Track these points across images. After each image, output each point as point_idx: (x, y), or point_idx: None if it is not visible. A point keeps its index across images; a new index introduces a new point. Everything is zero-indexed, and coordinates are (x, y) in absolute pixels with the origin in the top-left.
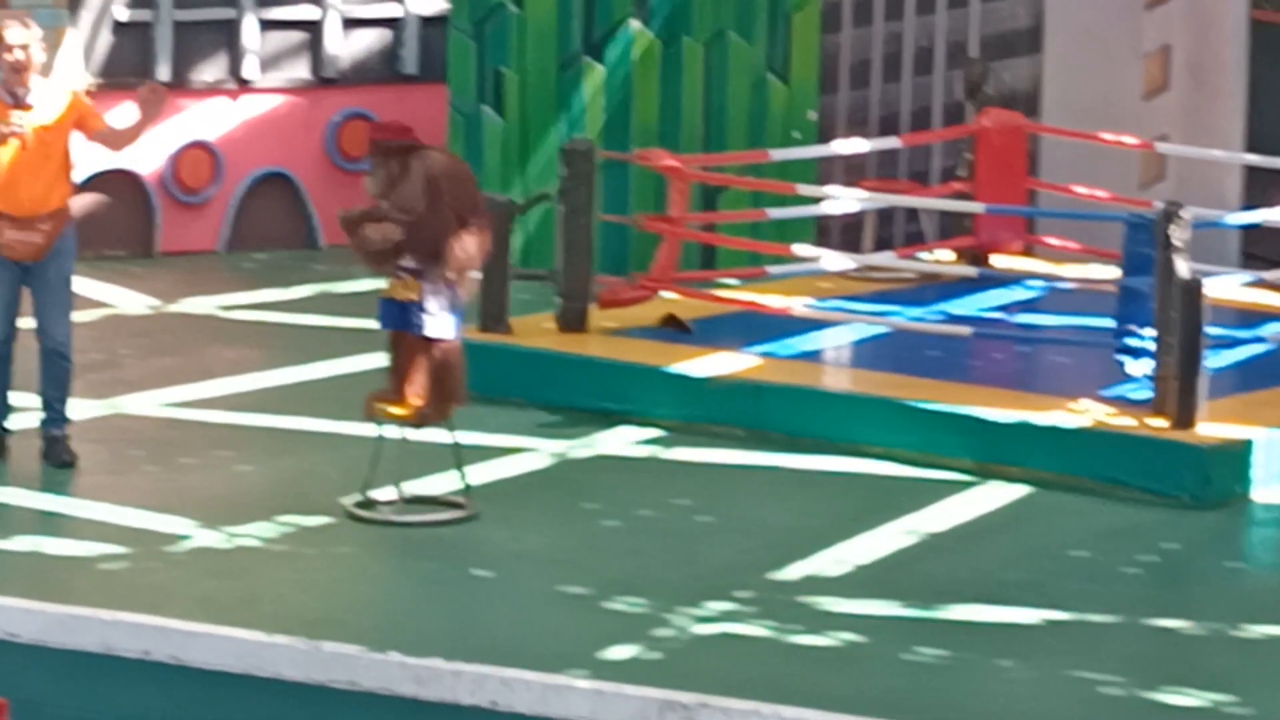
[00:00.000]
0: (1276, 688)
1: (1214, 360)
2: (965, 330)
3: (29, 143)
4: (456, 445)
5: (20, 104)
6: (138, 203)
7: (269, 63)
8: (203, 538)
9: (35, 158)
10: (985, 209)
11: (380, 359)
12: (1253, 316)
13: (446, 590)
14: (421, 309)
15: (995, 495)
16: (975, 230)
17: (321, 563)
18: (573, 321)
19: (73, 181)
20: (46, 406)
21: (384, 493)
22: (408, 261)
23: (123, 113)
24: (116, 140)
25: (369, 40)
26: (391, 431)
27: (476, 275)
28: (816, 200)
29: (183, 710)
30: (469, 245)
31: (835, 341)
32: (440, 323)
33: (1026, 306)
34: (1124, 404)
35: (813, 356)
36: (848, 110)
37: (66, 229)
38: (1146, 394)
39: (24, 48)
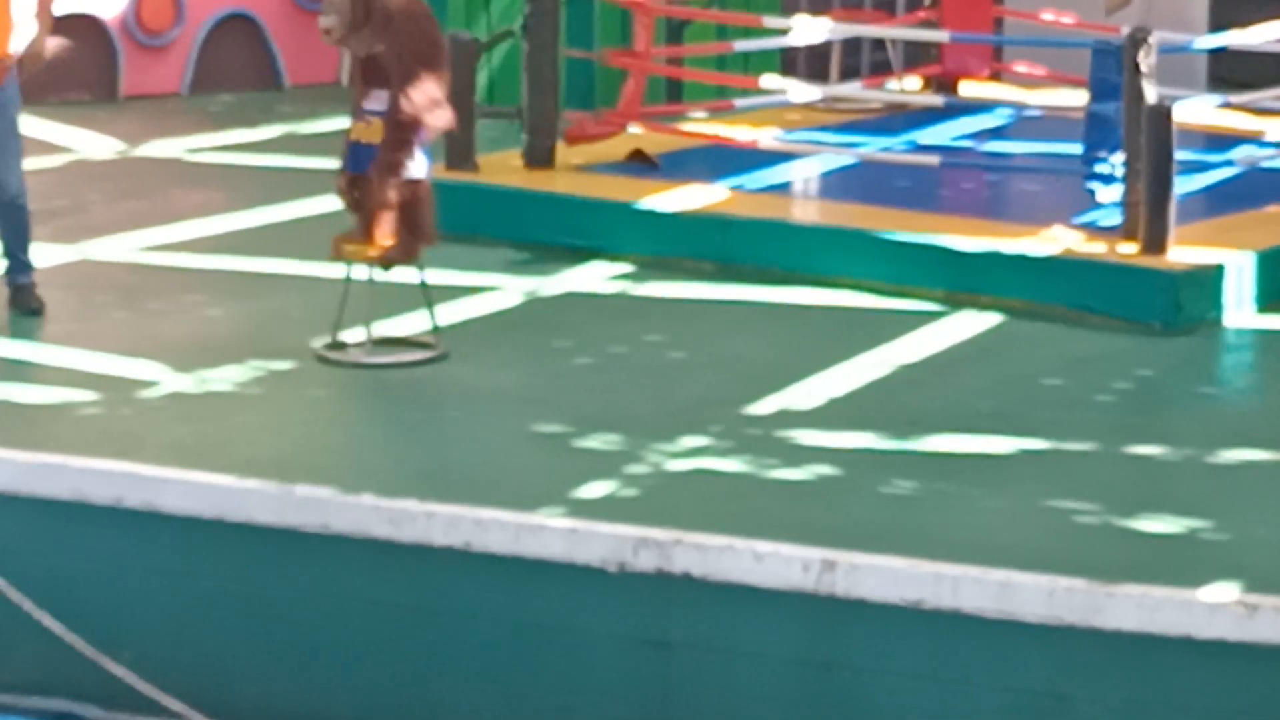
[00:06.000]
0: (1250, 512)
1: (1184, 185)
2: (934, 160)
3: None
4: (425, 285)
5: None
6: (100, 46)
7: None
8: (173, 383)
9: None
10: (952, 37)
11: None
12: (1221, 140)
13: (418, 431)
14: None
15: (966, 325)
16: (942, 58)
17: (292, 406)
18: (540, 158)
19: (23, 32)
20: (9, 256)
21: (353, 334)
22: (373, 104)
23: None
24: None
25: None
26: (359, 272)
27: (442, 115)
28: (782, 31)
29: (156, 556)
30: (418, 93)
31: (803, 173)
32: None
33: (995, 134)
34: (1094, 230)
35: (781, 189)
36: None
37: (8, 78)
38: (1116, 220)
39: None
